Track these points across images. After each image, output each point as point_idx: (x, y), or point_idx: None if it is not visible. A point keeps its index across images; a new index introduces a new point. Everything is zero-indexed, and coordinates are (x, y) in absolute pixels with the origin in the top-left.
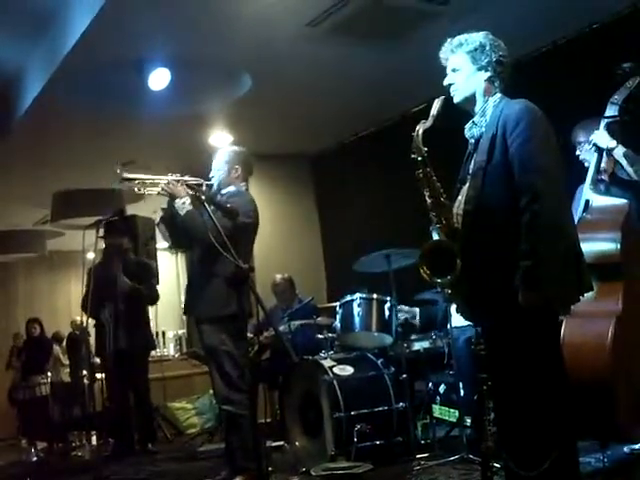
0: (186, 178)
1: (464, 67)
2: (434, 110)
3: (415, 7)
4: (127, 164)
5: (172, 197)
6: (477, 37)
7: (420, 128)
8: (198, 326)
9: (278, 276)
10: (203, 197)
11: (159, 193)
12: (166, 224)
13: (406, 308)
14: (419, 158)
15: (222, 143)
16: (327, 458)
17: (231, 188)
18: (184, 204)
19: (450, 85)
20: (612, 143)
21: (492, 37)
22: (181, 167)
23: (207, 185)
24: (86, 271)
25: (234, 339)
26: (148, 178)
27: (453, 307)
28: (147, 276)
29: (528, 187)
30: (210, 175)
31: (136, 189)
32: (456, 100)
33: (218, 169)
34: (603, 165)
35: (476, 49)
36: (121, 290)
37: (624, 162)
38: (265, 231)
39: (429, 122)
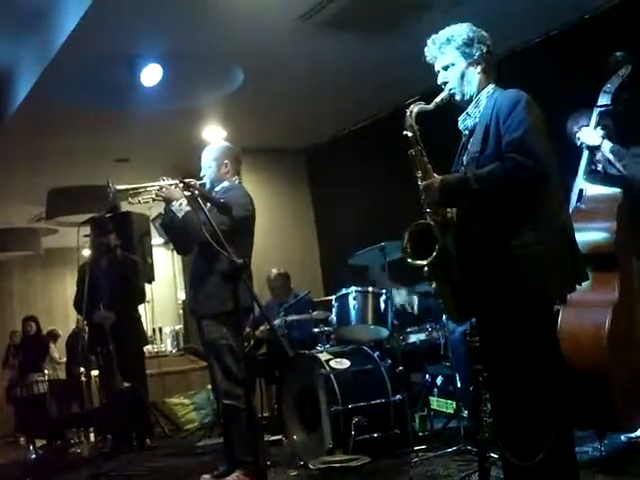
0: (177, 180)
1: (456, 64)
2: (439, 98)
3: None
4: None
5: (168, 201)
6: (462, 31)
7: (415, 107)
8: (199, 321)
9: (274, 271)
10: (197, 193)
11: (154, 199)
12: (167, 230)
13: (405, 292)
14: (410, 134)
15: (216, 138)
16: (325, 451)
17: (225, 184)
18: (181, 205)
19: (444, 83)
20: (597, 141)
21: (475, 28)
22: (175, 162)
23: (200, 184)
24: (77, 270)
25: (234, 333)
26: (141, 186)
27: None
28: (133, 274)
29: (514, 163)
30: (201, 174)
31: (130, 199)
32: (458, 98)
33: (207, 167)
34: (598, 156)
35: (465, 44)
36: (102, 324)
37: (612, 158)
38: (260, 226)
39: (430, 106)
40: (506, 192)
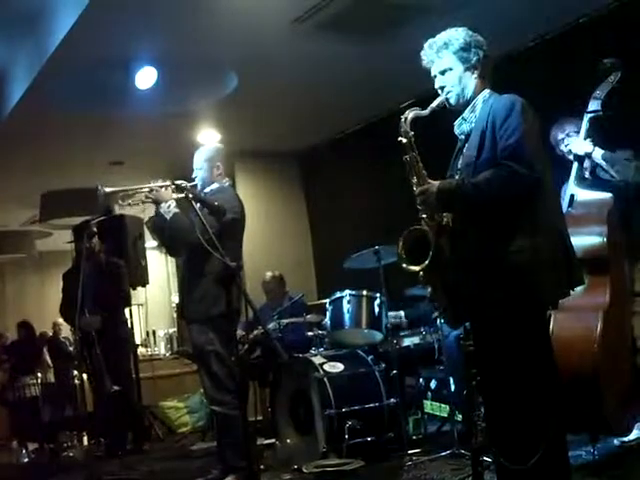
0: (168, 182)
1: (454, 68)
2: (435, 103)
3: (402, 2)
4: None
5: (157, 203)
6: (459, 35)
7: (410, 113)
8: (188, 326)
9: (268, 274)
10: (191, 195)
11: (143, 201)
12: (156, 232)
13: (392, 314)
14: (405, 141)
15: (210, 141)
16: (318, 455)
17: (214, 186)
18: (169, 207)
19: (441, 88)
20: (589, 147)
21: (471, 33)
22: (170, 165)
23: (191, 186)
24: (60, 276)
25: (222, 338)
26: (130, 189)
27: None
28: (118, 277)
29: (508, 170)
30: (192, 175)
31: (120, 201)
32: (452, 102)
33: (199, 168)
34: (586, 164)
35: (462, 48)
36: (87, 329)
37: (604, 164)
38: (254, 229)
39: (425, 112)
40: (502, 199)
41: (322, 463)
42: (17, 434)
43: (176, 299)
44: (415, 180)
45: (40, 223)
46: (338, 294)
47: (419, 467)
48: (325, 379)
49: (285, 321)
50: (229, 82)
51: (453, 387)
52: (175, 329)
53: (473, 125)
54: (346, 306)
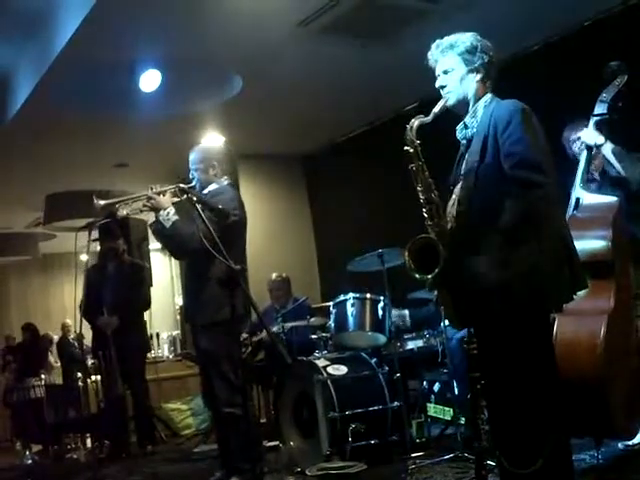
0: (165, 188)
1: (456, 69)
2: (437, 108)
3: (406, 6)
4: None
5: (156, 210)
6: (467, 38)
7: (416, 121)
8: (193, 329)
9: (274, 274)
10: (195, 198)
11: (142, 210)
12: (160, 239)
13: (395, 312)
14: (411, 150)
15: (214, 144)
16: (322, 458)
17: (213, 186)
18: (168, 215)
19: (442, 87)
20: (600, 139)
21: (480, 38)
22: (174, 168)
23: (189, 187)
24: (82, 273)
25: (230, 341)
26: (127, 198)
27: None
28: (140, 279)
29: (523, 180)
30: (189, 177)
31: (119, 212)
32: (450, 102)
33: (194, 169)
34: (593, 166)
35: (468, 51)
36: (104, 329)
37: (612, 159)
38: (258, 231)
39: (429, 118)
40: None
41: (325, 466)
42: (21, 436)
43: (180, 301)
44: (421, 188)
45: (44, 225)
46: (342, 297)
47: (422, 470)
48: (329, 382)
49: (289, 324)
50: (233, 85)
51: (457, 390)
52: (178, 331)
53: (475, 130)
54: (350, 309)
